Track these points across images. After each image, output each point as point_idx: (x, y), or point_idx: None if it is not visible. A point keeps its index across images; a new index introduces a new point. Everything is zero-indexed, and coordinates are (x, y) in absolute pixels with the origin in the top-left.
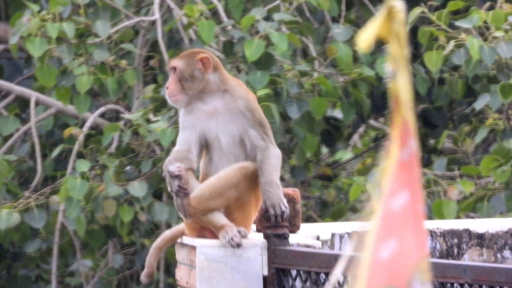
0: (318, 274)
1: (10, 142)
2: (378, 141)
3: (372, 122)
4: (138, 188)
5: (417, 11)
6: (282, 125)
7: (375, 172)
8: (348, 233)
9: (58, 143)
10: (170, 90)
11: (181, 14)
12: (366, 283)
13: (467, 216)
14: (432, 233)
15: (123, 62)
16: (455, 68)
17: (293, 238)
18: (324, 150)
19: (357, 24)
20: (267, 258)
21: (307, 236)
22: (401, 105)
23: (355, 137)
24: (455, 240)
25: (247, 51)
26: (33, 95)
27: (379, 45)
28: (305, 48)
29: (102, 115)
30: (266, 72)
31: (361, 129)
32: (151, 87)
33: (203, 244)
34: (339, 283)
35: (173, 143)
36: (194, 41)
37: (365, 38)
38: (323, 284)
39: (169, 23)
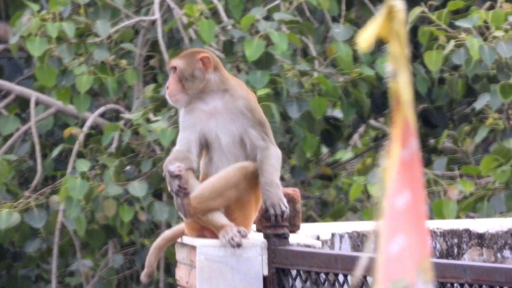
0: (318, 274)
1: (10, 142)
2: (378, 141)
3: (372, 122)
4: (138, 188)
5: (417, 10)
6: (282, 125)
7: (376, 171)
8: (348, 233)
9: (58, 143)
10: (171, 90)
11: (181, 14)
12: (381, 278)
13: (467, 216)
14: (432, 233)
15: (123, 62)
16: (455, 68)
17: (293, 238)
18: (324, 150)
19: (357, 24)
20: (267, 258)
21: (307, 236)
22: (402, 104)
23: (355, 137)
24: (455, 240)
25: (247, 50)
26: (33, 95)
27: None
28: (305, 48)
29: (102, 115)
30: (266, 72)
31: (361, 129)
32: (151, 86)
33: (203, 244)
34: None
35: (173, 143)
36: (194, 41)
37: (365, 38)
38: (323, 284)
39: (169, 23)
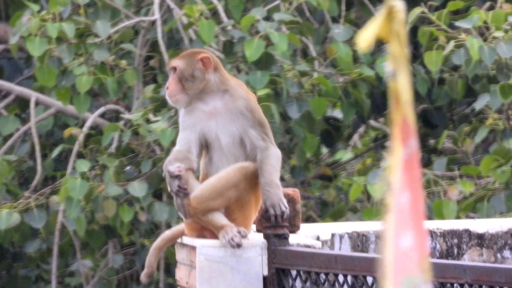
0: (318, 274)
1: (10, 142)
2: (378, 141)
3: (372, 122)
4: (138, 188)
5: (417, 11)
6: (282, 125)
7: (377, 172)
8: (348, 233)
9: (58, 143)
10: (171, 90)
11: (181, 14)
12: (392, 274)
13: (467, 216)
14: (432, 233)
15: (123, 62)
16: (455, 68)
17: (293, 238)
18: (324, 150)
19: (357, 24)
20: (267, 258)
21: (307, 236)
22: (402, 104)
23: (355, 137)
24: (455, 240)
25: (247, 51)
26: (33, 95)
27: (379, 45)
28: (305, 48)
29: (102, 115)
30: (266, 72)
31: (361, 129)
32: (151, 87)
33: (203, 244)
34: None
35: (173, 143)
36: (194, 41)
37: (365, 38)
38: (323, 284)
39: (169, 23)
